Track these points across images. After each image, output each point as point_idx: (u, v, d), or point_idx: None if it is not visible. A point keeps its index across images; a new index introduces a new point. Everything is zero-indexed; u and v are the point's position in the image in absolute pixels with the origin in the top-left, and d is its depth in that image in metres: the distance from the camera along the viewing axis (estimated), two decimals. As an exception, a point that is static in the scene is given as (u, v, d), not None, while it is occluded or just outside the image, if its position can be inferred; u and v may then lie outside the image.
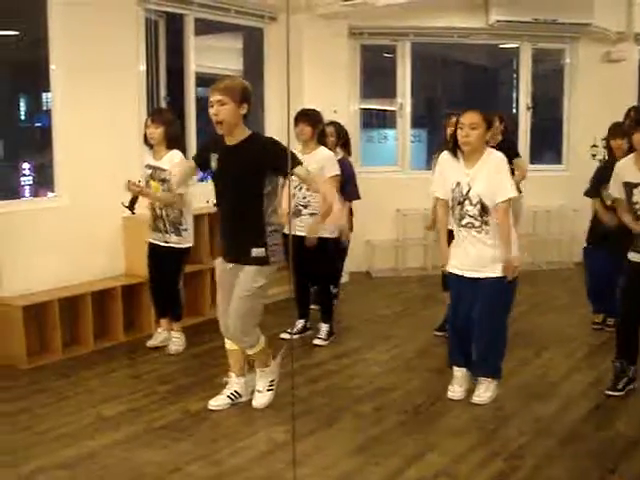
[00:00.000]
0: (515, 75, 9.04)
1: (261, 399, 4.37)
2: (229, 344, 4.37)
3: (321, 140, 5.55)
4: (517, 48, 8.79)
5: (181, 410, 4.37)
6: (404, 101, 8.49)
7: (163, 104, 6.77)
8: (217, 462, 3.70)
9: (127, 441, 3.96)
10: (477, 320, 4.32)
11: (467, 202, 4.24)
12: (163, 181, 5.23)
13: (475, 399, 4.41)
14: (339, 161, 5.65)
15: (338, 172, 5.46)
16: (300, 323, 5.88)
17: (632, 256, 4.46)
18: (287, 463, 3.50)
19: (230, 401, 4.38)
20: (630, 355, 4.56)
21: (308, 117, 5.49)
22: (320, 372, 5.05)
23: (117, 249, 6.04)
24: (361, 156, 8.47)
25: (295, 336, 5.79)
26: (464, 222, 4.29)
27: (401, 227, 8.16)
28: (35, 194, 8.07)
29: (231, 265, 4.21)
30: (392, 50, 8.50)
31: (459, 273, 4.39)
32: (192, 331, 5.74)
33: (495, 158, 4.26)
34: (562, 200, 8.29)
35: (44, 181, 6.00)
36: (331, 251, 5.65)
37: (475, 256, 4.29)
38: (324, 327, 5.73)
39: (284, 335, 5.68)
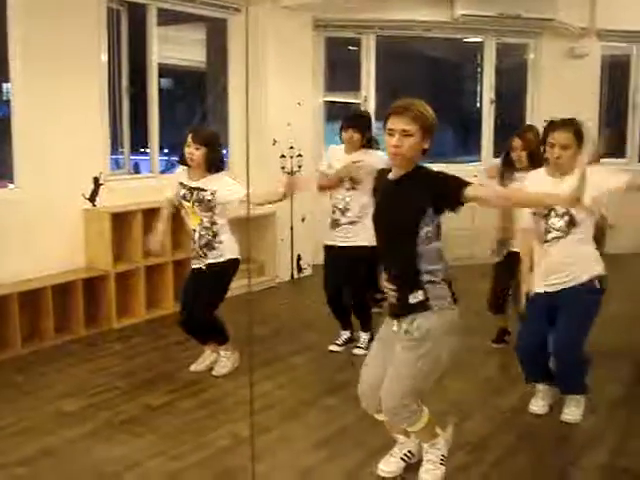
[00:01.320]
0: (479, 69, 9.08)
1: (434, 473, 3.44)
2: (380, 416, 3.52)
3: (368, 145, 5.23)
4: (481, 42, 8.83)
5: (142, 405, 4.33)
6: (368, 94, 8.48)
7: (125, 95, 6.69)
8: (178, 457, 3.68)
9: (87, 436, 3.92)
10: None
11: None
12: (201, 202, 4.67)
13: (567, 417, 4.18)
14: None
15: None
16: (345, 334, 5.56)
17: None
18: (249, 458, 3.48)
19: (404, 463, 3.59)
20: None
21: (357, 122, 5.21)
22: (283, 366, 5.04)
23: (78, 242, 5.95)
24: (326, 149, 8.44)
25: (341, 348, 5.47)
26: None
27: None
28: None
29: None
30: (357, 43, 8.48)
31: None
32: (154, 325, 5.70)
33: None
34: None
35: (4, 172, 5.89)
36: (366, 259, 5.12)
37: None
38: (363, 336, 5.49)
39: (332, 347, 5.45)
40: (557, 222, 3.93)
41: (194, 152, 4.59)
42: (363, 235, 4.92)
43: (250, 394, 3.50)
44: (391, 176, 3.21)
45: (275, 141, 7.41)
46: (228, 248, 4.72)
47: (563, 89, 8.44)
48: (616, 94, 9.31)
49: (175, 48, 8.52)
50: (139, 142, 7.45)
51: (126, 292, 6.11)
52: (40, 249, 5.65)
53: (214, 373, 4.82)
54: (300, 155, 7.56)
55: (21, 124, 5.60)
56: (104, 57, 6.19)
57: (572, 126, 3.91)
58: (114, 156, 6.83)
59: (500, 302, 5.34)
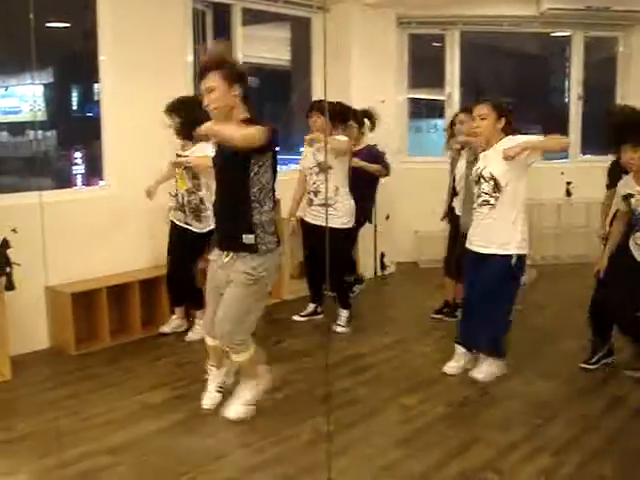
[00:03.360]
0: (567, 64, 8.88)
1: (236, 410, 4.06)
2: (210, 340, 4.12)
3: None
4: (569, 36, 8.63)
5: (225, 398, 4.39)
6: (452, 91, 8.40)
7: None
8: (260, 450, 3.72)
9: (172, 428, 4.00)
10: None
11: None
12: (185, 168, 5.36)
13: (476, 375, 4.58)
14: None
15: None
16: (311, 307, 6.08)
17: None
18: (330, 453, 3.50)
19: (221, 395, 4.25)
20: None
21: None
22: (365, 363, 5.04)
23: (163, 238, 6.07)
24: (408, 146, 8.42)
25: (304, 318, 6.01)
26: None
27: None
28: (87, 183, 8.18)
29: (227, 258, 3.88)
30: (441, 39, 8.41)
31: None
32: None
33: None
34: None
35: (96, 170, 6.08)
36: (342, 241, 5.69)
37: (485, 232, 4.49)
38: (343, 313, 5.80)
39: (296, 317, 6.00)
40: (485, 187, 4.41)
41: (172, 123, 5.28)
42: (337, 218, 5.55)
43: (328, 391, 3.52)
44: None
45: (359, 139, 7.40)
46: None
47: (654, 83, 8.19)
48: None
49: (260, 47, 8.60)
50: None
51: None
52: (128, 245, 5.81)
53: (186, 338, 5.50)
54: (383, 152, 7.52)
55: (110, 123, 5.76)
56: (190, 57, 6.30)
57: None
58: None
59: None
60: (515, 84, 11.03)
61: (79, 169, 8.62)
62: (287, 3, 7.14)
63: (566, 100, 8.92)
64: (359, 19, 7.35)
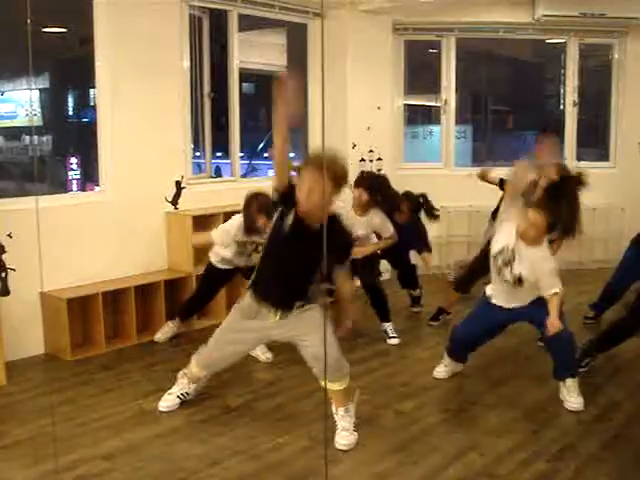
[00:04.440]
0: (562, 71, 8.90)
1: (349, 439, 3.89)
2: (203, 371, 4.32)
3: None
4: (564, 43, 8.65)
5: (221, 405, 4.40)
6: (449, 97, 8.42)
7: (207, 100, 6.81)
8: (255, 457, 3.72)
9: (167, 434, 4.00)
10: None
11: None
12: None
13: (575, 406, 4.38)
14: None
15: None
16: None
17: None
18: (327, 459, 3.51)
19: (179, 402, 4.36)
20: None
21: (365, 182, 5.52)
22: (361, 369, 5.04)
23: (160, 244, 6.09)
24: (404, 153, 8.44)
25: None
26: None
27: (445, 224, 8.09)
28: (82, 188, 8.19)
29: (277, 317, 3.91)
30: (437, 46, 8.43)
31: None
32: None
33: None
34: (609, 198, 8.15)
35: (91, 175, 6.09)
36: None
37: None
38: (389, 327, 5.77)
39: None
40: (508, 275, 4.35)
41: None
42: None
43: (325, 397, 3.52)
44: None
45: (354, 145, 7.43)
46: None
47: (650, 91, 8.22)
48: None
49: (256, 53, 8.62)
50: (220, 146, 7.57)
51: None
52: (124, 250, 5.80)
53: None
54: (380, 159, 7.56)
55: (106, 129, 5.75)
56: (186, 63, 6.31)
57: None
58: (196, 160, 6.97)
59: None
60: (510, 90, 11.07)
61: (75, 174, 8.63)
62: (283, 9, 7.15)
63: (561, 107, 8.94)
64: (355, 26, 7.37)
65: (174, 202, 6.09)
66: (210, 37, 6.83)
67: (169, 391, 4.38)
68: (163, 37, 6.01)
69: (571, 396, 4.37)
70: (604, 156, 8.96)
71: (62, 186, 8.48)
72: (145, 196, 5.89)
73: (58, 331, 5.27)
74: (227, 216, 5.95)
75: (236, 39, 6.82)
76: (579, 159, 8.58)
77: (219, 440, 3.92)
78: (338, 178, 3.68)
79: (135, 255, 5.88)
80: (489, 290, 4.59)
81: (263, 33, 8.65)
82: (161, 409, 4.30)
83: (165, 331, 5.71)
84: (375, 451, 3.79)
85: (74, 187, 8.49)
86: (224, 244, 5.19)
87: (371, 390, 4.66)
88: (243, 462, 3.67)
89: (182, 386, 4.37)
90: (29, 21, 3.19)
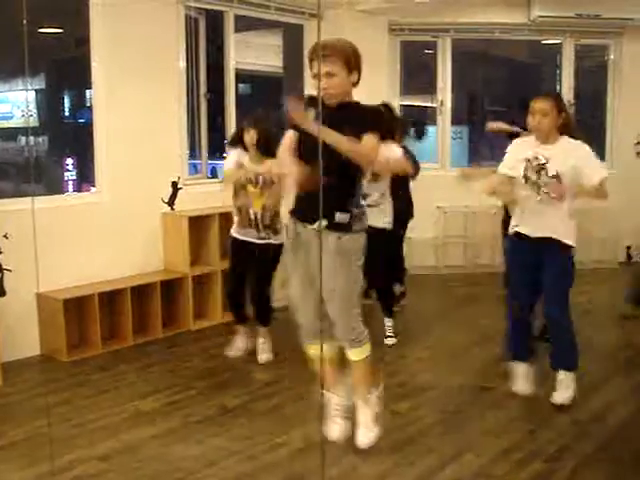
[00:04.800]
0: (558, 71, 8.91)
1: (369, 436, 3.76)
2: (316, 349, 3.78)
3: None
4: (560, 44, 8.66)
5: (218, 406, 4.39)
6: (444, 98, 8.43)
7: (203, 101, 6.80)
8: (251, 458, 3.71)
9: (164, 435, 3.99)
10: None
11: None
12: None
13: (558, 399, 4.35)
14: None
15: None
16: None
17: None
18: (323, 460, 3.49)
19: (349, 421, 3.87)
20: None
21: None
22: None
23: (156, 245, 6.09)
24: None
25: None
26: None
27: (441, 225, 8.10)
28: (78, 189, 8.18)
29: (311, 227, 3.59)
30: (432, 46, 8.43)
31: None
32: (230, 327, 5.75)
33: None
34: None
35: (87, 176, 6.08)
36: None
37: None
38: (389, 323, 5.71)
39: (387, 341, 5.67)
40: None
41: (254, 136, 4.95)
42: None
43: (320, 398, 3.51)
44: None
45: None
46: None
47: (645, 91, 8.24)
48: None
49: (252, 54, 8.64)
50: (216, 147, 7.57)
51: (203, 295, 6.21)
52: (120, 251, 5.80)
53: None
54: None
55: (102, 129, 5.75)
56: (182, 64, 6.31)
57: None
58: (192, 161, 6.97)
59: None
60: (506, 91, 11.08)
61: (71, 175, 8.62)
62: (279, 10, 7.16)
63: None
64: (351, 26, 7.36)
65: (170, 203, 6.09)
66: (206, 38, 6.83)
67: (331, 417, 3.87)
68: (159, 38, 6.02)
69: (558, 389, 4.35)
70: (600, 157, 8.94)
71: (58, 187, 8.47)
72: (141, 197, 5.89)
73: (54, 332, 5.27)
74: (222, 217, 5.97)
75: (232, 40, 6.83)
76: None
77: (215, 441, 3.92)
78: (350, 56, 3.76)
79: (131, 256, 5.88)
80: (513, 221, 4.43)
81: (259, 34, 8.66)
82: (333, 439, 3.80)
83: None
84: (372, 452, 3.79)
85: (70, 188, 8.48)
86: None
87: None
88: (240, 463, 3.67)
89: (334, 402, 3.88)
90: (25, 22, 3.19)
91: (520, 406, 4.38)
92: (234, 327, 5.40)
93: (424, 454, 3.75)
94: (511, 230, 4.44)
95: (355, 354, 3.70)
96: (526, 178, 4.21)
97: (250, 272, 5.14)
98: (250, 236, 5.06)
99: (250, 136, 4.94)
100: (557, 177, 4.12)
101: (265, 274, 5.11)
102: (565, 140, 4.23)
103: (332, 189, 3.07)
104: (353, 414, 3.85)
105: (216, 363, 5.21)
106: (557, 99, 4.32)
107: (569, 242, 4.23)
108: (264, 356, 5.21)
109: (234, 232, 5.17)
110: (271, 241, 5.00)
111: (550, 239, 4.20)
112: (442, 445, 3.85)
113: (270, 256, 4.98)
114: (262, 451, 3.79)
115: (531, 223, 4.29)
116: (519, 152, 4.32)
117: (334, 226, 3.52)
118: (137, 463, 3.66)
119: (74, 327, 5.42)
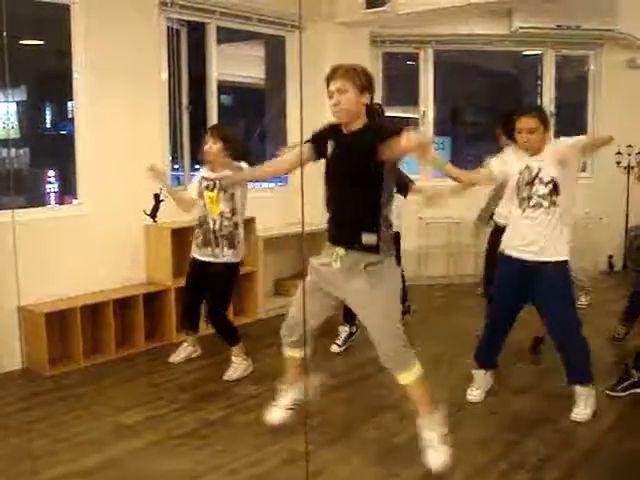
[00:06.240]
0: (539, 82, 8.98)
1: (440, 459, 3.66)
2: (290, 350, 4.02)
3: None
4: (540, 55, 8.73)
5: (200, 419, 4.37)
6: (427, 108, 8.46)
7: (185, 112, 6.80)
8: (235, 471, 3.69)
9: (147, 449, 3.97)
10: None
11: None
12: (225, 190, 5.02)
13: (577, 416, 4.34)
14: None
15: None
16: (346, 330, 5.82)
17: None
18: (308, 473, 3.48)
19: (290, 412, 4.11)
20: None
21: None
22: (344, 380, 5.03)
23: (139, 257, 6.06)
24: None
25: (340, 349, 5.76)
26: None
27: (424, 235, 8.12)
28: (60, 201, 8.13)
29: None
30: (414, 58, 8.47)
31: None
32: (213, 339, 5.72)
33: None
34: (587, 208, 8.20)
35: (69, 188, 6.05)
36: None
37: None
38: (344, 329, 5.79)
39: (334, 348, 5.76)
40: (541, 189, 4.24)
41: (212, 146, 5.04)
42: None
43: (305, 410, 3.50)
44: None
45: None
46: (242, 250, 5.17)
47: (625, 101, 8.30)
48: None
49: (234, 65, 8.63)
50: (199, 158, 7.53)
51: (186, 306, 6.17)
52: (102, 264, 5.77)
53: (225, 377, 5.09)
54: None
55: (84, 141, 5.74)
56: (164, 75, 6.31)
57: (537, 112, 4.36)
58: (174, 172, 6.95)
59: None
60: (488, 101, 11.14)
61: (52, 187, 8.57)
62: (261, 22, 7.16)
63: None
64: (333, 38, 7.40)
65: (153, 215, 6.06)
66: (188, 49, 6.83)
67: (278, 403, 4.15)
68: (141, 49, 6.01)
69: (577, 405, 4.34)
70: (581, 167, 9.01)
71: (40, 199, 8.42)
72: (123, 209, 5.87)
73: (36, 346, 5.23)
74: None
75: (214, 51, 6.83)
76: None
77: (199, 454, 3.89)
78: (361, 78, 3.78)
79: (114, 268, 5.85)
80: (503, 242, 4.48)
81: (241, 45, 8.66)
82: (272, 422, 4.12)
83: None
84: (356, 464, 3.78)
85: (52, 200, 8.43)
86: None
87: (354, 401, 4.65)
88: (223, 476, 3.65)
89: (288, 393, 4.12)
90: (5, 34, 3.18)
91: (503, 417, 4.38)
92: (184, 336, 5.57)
93: (408, 465, 3.74)
94: (500, 249, 4.49)
95: (403, 378, 3.74)
96: (518, 189, 4.29)
97: (207, 292, 5.21)
98: (207, 255, 5.12)
99: (208, 145, 5.06)
100: (552, 182, 4.20)
101: (222, 294, 5.17)
102: (550, 146, 4.32)
103: (354, 205, 3.48)
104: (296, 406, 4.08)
105: (199, 376, 5.19)
106: (542, 115, 4.35)
107: (560, 258, 4.28)
108: (237, 374, 5.14)
109: (193, 251, 5.28)
110: (226, 260, 5.07)
111: (540, 262, 4.27)
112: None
113: (226, 275, 5.11)
114: (245, 464, 3.77)
115: (520, 244, 4.34)
116: (511, 163, 4.42)
117: (363, 247, 3.56)
118: (120, 477, 3.64)
119: (56, 341, 5.39)
